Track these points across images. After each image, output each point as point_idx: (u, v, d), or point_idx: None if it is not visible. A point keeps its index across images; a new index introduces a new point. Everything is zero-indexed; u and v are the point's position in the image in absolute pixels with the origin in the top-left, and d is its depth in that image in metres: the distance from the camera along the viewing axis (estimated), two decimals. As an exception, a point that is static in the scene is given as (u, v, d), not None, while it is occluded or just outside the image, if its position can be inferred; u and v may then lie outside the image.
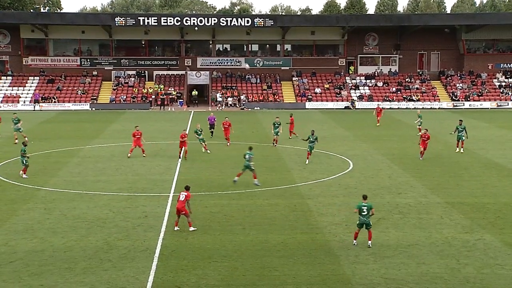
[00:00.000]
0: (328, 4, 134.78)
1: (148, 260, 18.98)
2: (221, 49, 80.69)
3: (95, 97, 71.98)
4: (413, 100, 72.45)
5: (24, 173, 30.93)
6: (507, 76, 77.72)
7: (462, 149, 38.55)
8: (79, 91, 72.43)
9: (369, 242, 20.22)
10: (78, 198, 26.94)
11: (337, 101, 72.57)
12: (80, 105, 70.42)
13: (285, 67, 77.93)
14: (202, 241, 20.78)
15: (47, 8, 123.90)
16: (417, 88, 75.08)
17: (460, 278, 17.73)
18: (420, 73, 78.73)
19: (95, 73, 75.97)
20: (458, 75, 78.19)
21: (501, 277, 17.83)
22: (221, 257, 19.24)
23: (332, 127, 52.76)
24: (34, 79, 74.43)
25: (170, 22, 72.04)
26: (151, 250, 19.86)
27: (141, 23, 71.80)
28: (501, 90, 75.22)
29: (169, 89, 73.65)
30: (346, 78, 77.38)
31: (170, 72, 76.58)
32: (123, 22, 71.26)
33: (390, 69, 79.00)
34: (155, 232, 21.86)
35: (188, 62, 76.80)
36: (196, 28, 72.26)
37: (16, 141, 41.51)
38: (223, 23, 72.54)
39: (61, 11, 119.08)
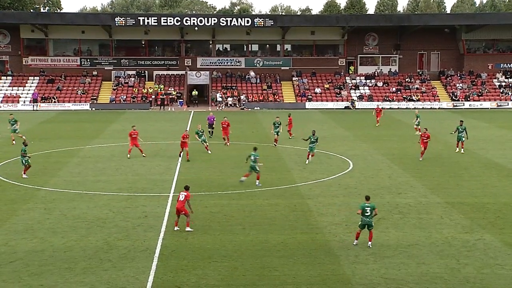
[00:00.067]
0: (328, 4, 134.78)
1: (148, 260, 18.98)
2: (221, 49, 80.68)
3: (95, 97, 71.98)
4: (413, 100, 72.45)
5: (24, 173, 30.93)
6: (507, 76, 77.72)
7: (462, 149, 38.53)
8: (79, 91, 72.43)
9: (369, 243, 20.22)
10: (78, 198, 26.94)
11: (337, 101, 72.57)
12: (80, 105, 70.42)
13: (285, 67, 77.92)
14: (202, 241, 20.78)
15: (47, 8, 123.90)
16: (417, 88, 75.08)
17: (460, 278, 17.73)
18: (420, 73, 78.72)
19: (95, 73, 75.96)
20: (458, 75, 78.19)
21: (501, 277, 17.84)
22: (221, 257, 19.25)
23: (332, 127, 52.77)
24: (34, 79, 74.42)
25: (170, 22, 72.04)
26: (151, 250, 19.87)
27: (141, 23, 71.80)
28: (501, 90, 75.21)
29: (169, 89, 73.65)
30: (346, 78, 77.38)
31: (170, 72, 76.57)
32: (123, 22, 71.26)
33: (390, 69, 79.00)
34: (155, 232, 21.86)
35: (188, 62, 76.80)
36: (196, 28, 72.26)
37: (14, 142, 41.48)
38: (223, 23, 72.54)
39: (61, 11, 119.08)
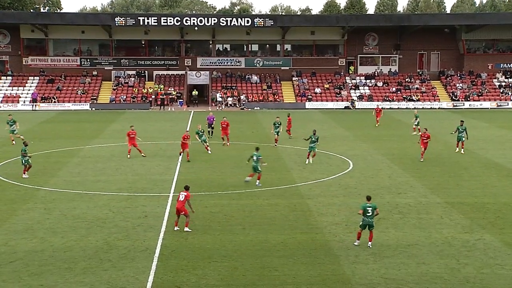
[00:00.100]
0: (328, 4, 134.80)
1: (148, 260, 18.98)
2: (221, 49, 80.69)
3: (95, 97, 71.98)
4: (413, 100, 72.45)
5: (24, 173, 30.93)
6: (507, 76, 77.72)
7: (462, 149, 38.52)
8: (79, 91, 72.44)
9: (369, 243, 20.21)
10: (78, 198, 26.94)
11: (337, 101, 72.57)
12: (80, 105, 70.42)
13: (285, 67, 77.93)
14: (202, 241, 20.78)
15: (47, 8, 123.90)
16: (417, 88, 75.08)
17: (460, 278, 17.73)
18: (420, 73, 78.72)
19: (95, 73, 75.97)
20: (458, 75, 78.19)
21: (501, 277, 17.84)
22: (221, 257, 19.25)
23: (332, 127, 52.76)
24: (34, 79, 74.42)
25: (170, 22, 72.04)
26: (151, 250, 19.87)
27: (141, 23, 71.81)
28: (501, 90, 75.22)
29: (169, 89, 73.65)
30: (346, 78, 77.38)
31: (170, 72, 76.58)
32: (123, 22, 71.26)
33: (390, 69, 79.00)
34: (155, 232, 21.86)
35: (188, 62, 76.80)
36: (196, 28, 72.27)
37: (14, 142, 41.44)
38: (223, 23, 72.55)
39: (61, 11, 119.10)
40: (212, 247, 20.17)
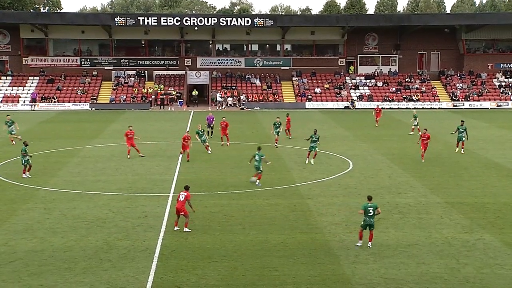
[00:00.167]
0: (328, 4, 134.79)
1: (148, 260, 18.98)
2: (221, 49, 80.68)
3: (95, 97, 71.98)
4: (413, 100, 72.43)
5: (24, 173, 30.92)
6: (507, 76, 77.72)
7: (462, 149, 38.50)
8: (79, 91, 72.43)
9: (369, 243, 20.21)
10: (78, 198, 26.94)
11: (337, 101, 72.58)
12: (80, 105, 70.41)
13: (285, 67, 77.93)
14: (202, 241, 20.78)
15: (47, 8, 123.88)
16: (417, 88, 75.08)
17: (460, 278, 17.73)
18: (420, 73, 78.72)
19: (95, 73, 75.97)
20: (458, 75, 78.19)
21: (500, 277, 17.84)
22: (221, 257, 19.25)
23: (332, 127, 52.76)
24: (34, 79, 74.41)
25: (170, 22, 72.03)
26: (151, 250, 19.87)
27: (141, 23, 71.79)
28: (501, 90, 75.22)
29: (169, 89, 73.65)
30: (346, 78, 77.38)
31: (170, 72, 76.58)
32: (123, 22, 71.25)
33: (390, 69, 79.00)
34: (155, 232, 21.86)
35: (188, 62, 76.79)
36: (196, 28, 72.26)
37: (14, 142, 41.40)
38: (223, 23, 72.53)
39: (61, 11, 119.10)
40: (212, 247, 20.18)
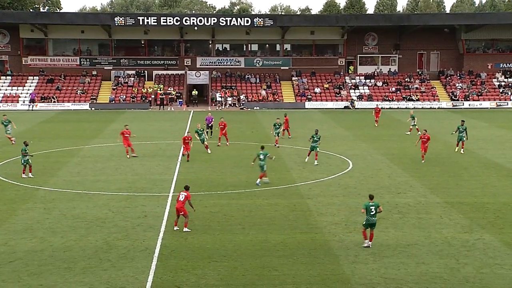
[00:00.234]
0: (328, 4, 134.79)
1: (147, 260, 18.98)
2: (220, 48, 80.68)
3: (94, 97, 71.97)
4: (413, 100, 72.43)
5: (24, 173, 30.91)
6: (507, 76, 77.73)
7: (462, 149, 38.47)
8: (78, 91, 72.42)
9: (370, 242, 20.20)
10: (78, 198, 26.93)
11: (337, 101, 72.58)
12: (79, 104, 70.39)
13: (285, 67, 77.93)
14: (201, 241, 20.78)
15: (46, 8, 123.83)
16: (416, 88, 75.09)
17: (460, 277, 17.73)
18: (420, 73, 78.72)
19: (94, 73, 75.96)
20: (458, 75, 78.20)
21: (500, 276, 17.84)
22: (220, 257, 19.24)
23: (332, 127, 52.76)
24: (33, 79, 74.40)
25: (170, 22, 72.01)
26: (150, 250, 19.86)
27: (141, 23, 71.77)
28: (501, 90, 75.23)
29: (169, 89, 73.64)
30: (346, 78, 77.38)
31: (169, 72, 76.58)
32: (123, 22, 71.24)
33: (390, 69, 79.00)
34: (154, 232, 21.86)
35: (187, 62, 76.78)
36: (195, 28, 72.25)
37: (13, 142, 41.34)
38: (222, 23, 72.52)
39: (61, 11, 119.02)
40: (212, 247, 20.17)
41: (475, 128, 49.38)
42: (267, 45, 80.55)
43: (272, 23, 73.07)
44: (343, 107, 71.41)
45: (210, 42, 78.57)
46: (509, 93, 74.42)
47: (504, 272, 18.16)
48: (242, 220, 23.37)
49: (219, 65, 77.42)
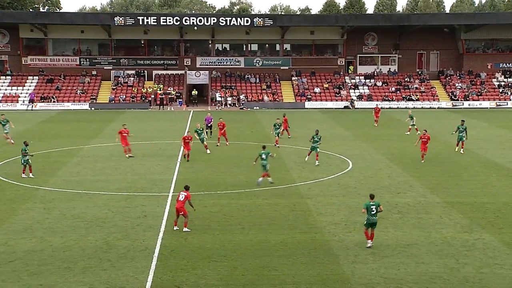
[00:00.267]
0: (328, 4, 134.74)
1: (147, 259, 18.98)
2: (220, 48, 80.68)
3: (94, 97, 71.96)
4: (413, 100, 72.43)
5: (23, 173, 30.90)
6: (506, 75, 77.74)
7: (462, 149, 38.47)
8: (78, 91, 72.41)
9: (372, 242, 20.18)
10: (77, 197, 26.93)
11: (337, 100, 72.58)
12: (79, 104, 70.38)
13: (285, 66, 77.93)
14: (201, 241, 20.78)
15: (46, 7, 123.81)
16: (416, 88, 75.09)
17: (459, 277, 17.73)
18: (420, 72, 78.72)
19: (94, 72, 75.95)
20: (457, 74, 78.20)
21: (500, 276, 17.84)
22: (220, 257, 19.24)
23: (332, 127, 52.76)
24: (33, 79, 74.38)
25: (170, 22, 72.01)
26: (150, 250, 19.86)
27: (141, 23, 71.77)
28: (500, 90, 75.24)
29: (168, 89, 73.64)
30: (346, 77, 77.38)
31: (169, 72, 76.58)
32: (123, 22, 71.24)
33: (390, 68, 79.00)
34: (154, 231, 21.85)
35: (187, 62, 76.78)
36: (195, 27, 72.26)
37: (13, 142, 41.31)
38: (222, 22, 72.52)
39: (60, 11, 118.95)
40: (212, 247, 20.17)
41: (475, 128, 49.39)
42: (267, 45, 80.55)
43: (272, 23, 73.08)
44: (343, 107, 71.41)
45: (210, 42, 78.57)
46: (509, 93, 74.43)
47: (504, 272, 18.16)
48: (241, 220, 23.37)
49: (219, 65, 77.42)
